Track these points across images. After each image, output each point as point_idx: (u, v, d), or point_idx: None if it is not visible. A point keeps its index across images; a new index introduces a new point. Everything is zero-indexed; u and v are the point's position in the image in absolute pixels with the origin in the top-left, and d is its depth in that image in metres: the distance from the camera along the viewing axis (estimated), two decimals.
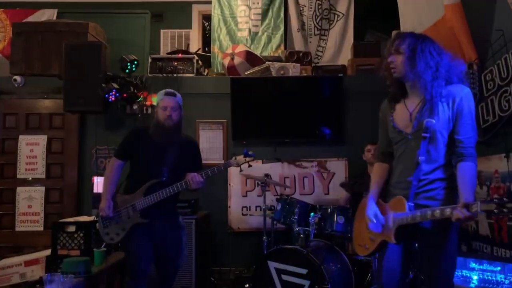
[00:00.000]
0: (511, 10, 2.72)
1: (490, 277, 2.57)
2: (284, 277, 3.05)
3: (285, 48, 5.06)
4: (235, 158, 2.72)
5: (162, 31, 5.23)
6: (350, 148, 4.42)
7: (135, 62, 4.29)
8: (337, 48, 5.16)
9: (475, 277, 2.63)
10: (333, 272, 3.06)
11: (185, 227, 2.94)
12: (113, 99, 4.09)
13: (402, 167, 2.01)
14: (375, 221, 1.99)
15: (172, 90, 2.76)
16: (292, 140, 4.49)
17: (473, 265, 2.65)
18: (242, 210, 4.44)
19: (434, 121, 1.87)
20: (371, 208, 2.03)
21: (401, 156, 2.02)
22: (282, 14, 5.07)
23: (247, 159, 2.71)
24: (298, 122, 4.47)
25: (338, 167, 4.46)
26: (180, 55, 4.59)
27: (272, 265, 3.09)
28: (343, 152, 4.48)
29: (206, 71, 4.88)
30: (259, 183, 3.76)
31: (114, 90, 4.08)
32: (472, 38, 3.18)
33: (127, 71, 4.29)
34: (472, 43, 3.16)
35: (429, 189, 1.92)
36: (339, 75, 4.54)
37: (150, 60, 4.53)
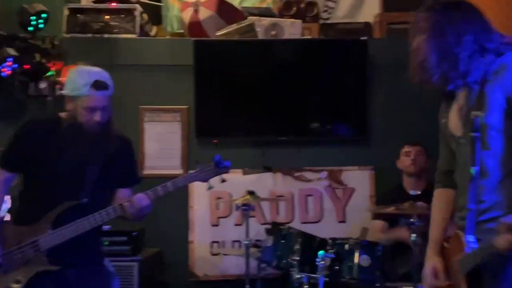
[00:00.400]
0: None
1: None
2: None
3: None
4: (202, 169, 2.74)
5: None
6: (379, 150, 4.42)
7: (44, 16, 4.19)
8: None
9: None
10: None
11: (115, 274, 2.95)
12: (8, 72, 4.04)
13: (459, 185, 2.14)
14: (430, 282, 2.16)
15: (103, 79, 2.67)
16: (289, 139, 4.48)
17: None
18: (211, 247, 4.41)
19: (483, 114, 1.96)
20: (428, 264, 2.19)
21: (457, 170, 2.16)
22: None
23: (220, 171, 2.74)
24: (299, 111, 4.47)
25: (360, 180, 4.45)
26: (113, 4, 4.55)
27: None
28: (367, 156, 4.47)
29: (155, 30, 4.85)
30: (239, 205, 3.79)
31: (10, 58, 4.02)
32: None
33: (30, 29, 4.18)
34: None
35: (490, 217, 1.98)
36: (361, 38, 4.51)
37: (67, 12, 4.48)
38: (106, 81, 2.67)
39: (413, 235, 3.26)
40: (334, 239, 3.43)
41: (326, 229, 4.23)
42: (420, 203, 3.26)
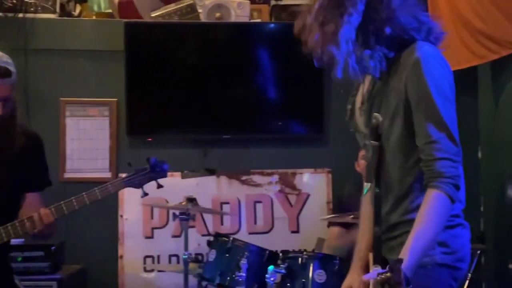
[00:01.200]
0: None
1: None
2: None
3: None
4: (136, 174, 2.72)
5: None
6: (337, 150, 4.45)
7: None
8: None
9: None
10: None
11: None
12: None
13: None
14: None
15: (3, 64, 2.59)
16: (235, 137, 4.53)
17: None
18: (144, 262, 4.40)
19: (380, 117, 1.93)
20: (345, 280, 2.15)
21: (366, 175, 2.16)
22: None
23: (157, 175, 2.75)
24: (246, 106, 4.53)
25: (316, 184, 4.50)
26: None
27: None
28: (324, 157, 4.52)
29: (79, 9, 4.79)
30: (176, 213, 3.72)
31: None
32: None
33: None
34: None
35: (394, 236, 1.99)
36: None
37: None
38: (8, 66, 2.58)
39: None
40: (285, 252, 3.43)
41: (277, 241, 4.28)
42: None
